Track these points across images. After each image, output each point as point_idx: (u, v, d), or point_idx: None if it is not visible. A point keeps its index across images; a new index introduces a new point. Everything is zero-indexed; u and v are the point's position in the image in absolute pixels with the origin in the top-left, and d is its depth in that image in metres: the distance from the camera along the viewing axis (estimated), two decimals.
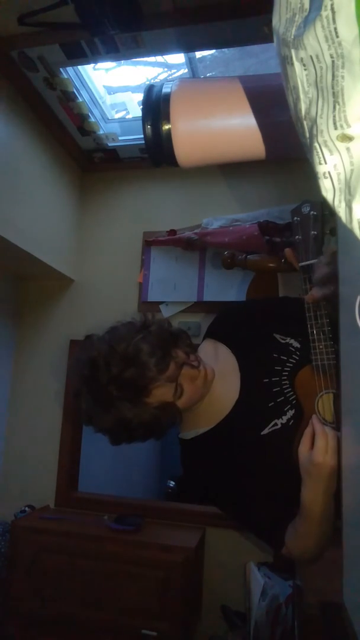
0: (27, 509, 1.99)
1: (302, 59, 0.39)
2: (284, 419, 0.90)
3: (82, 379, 0.89)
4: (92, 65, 1.74)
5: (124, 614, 1.61)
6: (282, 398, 0.91)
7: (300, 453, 0.81)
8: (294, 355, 0.94)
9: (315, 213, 0.88)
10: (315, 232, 0.87)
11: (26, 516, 1.93)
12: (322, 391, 0.84)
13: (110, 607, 1.62)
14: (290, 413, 0.90)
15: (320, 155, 0.41)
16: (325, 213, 0.88)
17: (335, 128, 0.39)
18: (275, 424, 0.89)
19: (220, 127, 1.00)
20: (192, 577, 1.69)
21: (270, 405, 0.91)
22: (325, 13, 0.35)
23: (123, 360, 0.84)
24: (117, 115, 2.08)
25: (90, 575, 1.66)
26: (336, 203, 0.42)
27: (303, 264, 0.87)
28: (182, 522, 1.90)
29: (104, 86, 1.93)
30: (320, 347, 0.83)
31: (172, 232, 2.04)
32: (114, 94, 2.01)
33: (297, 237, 0.89)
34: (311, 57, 0.38)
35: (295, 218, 0.90)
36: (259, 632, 1.50)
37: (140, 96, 1.66)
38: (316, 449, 0.78)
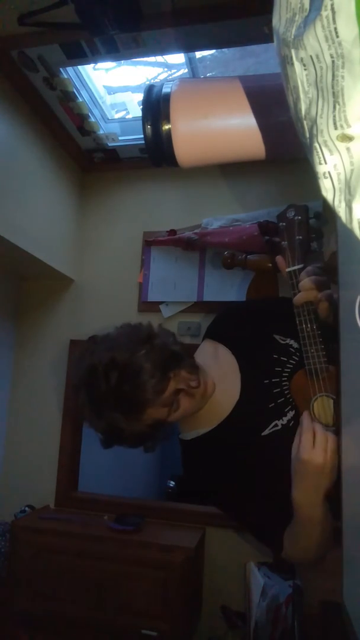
0: (27, 509, 1.99)
1: (302, 59, 0.39)
2: (285, 419, 0.90)
3: (81, 381, 0.89)
4: (92, 65, 1.73)
5: (124, 614, 1.61)
6: (283, 399, 0.91)
7: (292, 452, 0.80)
8: (293, 357, 0.94)
9: (299, 218, 0.88)
10: (301, 237, 0.87)
11: (26, 516, 1.93)
12: (316, 395, 0.84)
13: (110, 607, 1.62)
14: (291, 414, 0.90)
15: (320, 155, 0.41)
16: (311, 217, 0.89)
17: (335, 128, 0.39)
18: (276, 425, 0.89)
19: (220, 127, 1.00)
20: (192, 577, 1.69)
21: (270, 406, 0.91)
22: (326, 13, 0.35)
23: (122, 374, 0.83)
24: (117, 115, 2.08)
25: (90, 575, 1.66)
26: (336, 203, 0.42)
27: (290, 269, 0.87)
28: (182, 522, 1.90)
29: (104, 86, 1.93)
30: (312, 351, 0.83)
31: (172, 232, 2.04)
32: (114, 94, 2.01)
33: (283, 242, 0.89)
34: (311, 57, 0.38)
35: (281, 223, 0.91)
36: (259, 632, 1.50)
37: (140, 96, 1.66)
38: (302, 444, 0.77)
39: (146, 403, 0.83)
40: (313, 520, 0.80)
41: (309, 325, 0.84)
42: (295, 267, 0.87)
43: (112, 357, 0.84)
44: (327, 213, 0.88)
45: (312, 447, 0.76)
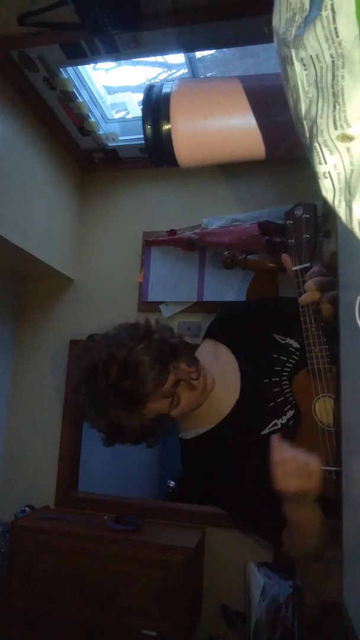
0: (27, 509, 1.99)
1: (302, 59, 0.39)
2: (284, 419, 0.90)
3: (81, 379, 0.89)
4: (92, 65, 1.73)
5: (124, 614, 1.61)
6: (282, 398, 0.91)
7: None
8: (293, 356, 0.94)
9: (307, 216, 0.87)
10: (308, 236, 0.86)
11: (26, 516, 1.93)
12: (318, 395, 0.84)
13: (110, 607, 1.62)
14: (290, 413, 0.90)
15: (320, 155, 0.41)
16: (319, 216, 0.88)
17: (336, 128, 0.39)
18: (276, 424, 0.89)
19: (220, 127, 1.00)
20: (192, 577, 1.69)
21: (270, 405, 0.91)
22: (326, 13, 0.35)
23: (122, 369, 0.83)
24: (117, 115, 2.08)
25: (90, 575, 1.66)
26: (336, 203, 0.42)
27: (296, 268, 0.87)
28: (182, 522, 1.90)
29: (104, 86, 1.93)
30: (316, 350, 0.83)
31: (172, 232, 2.04)
32: (114, 94, 2.01)
33: (290, 240, 0.89)
34: (311, 57, 0.38)
35: (289, 221, 0.89)
36: (259, 632, 1.50)
37: (140, 96, 1.66)
38: (279, 476, 0.75)
39: (147, 396, 0.84)
40: (303, 526, 0.81)
41: (313, 325, 0.83)
42: (302, 266, 0.86)
43: (111, 353, 0.85)
44: (325, 211, 0.88)
45: (287, 475, 0.74)
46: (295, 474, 0.74)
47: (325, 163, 0.41)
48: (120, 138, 2.07)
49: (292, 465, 0.75)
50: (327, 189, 0.42)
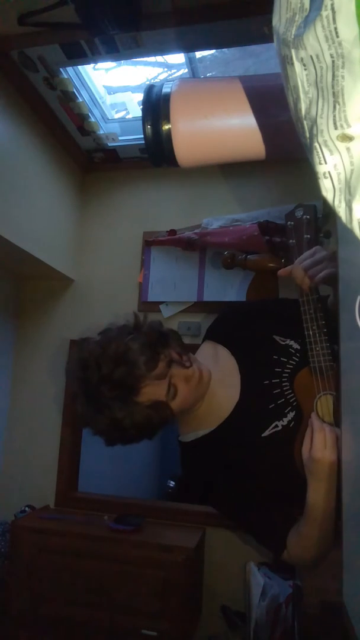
0: (27, 509, 1.99)
1: (302, 59, 0.39)
2: (285, 420, 0.89)
3: (76, 381, 0.89)
4: (92, 65, 1.73)
5: (124, 614, 1.61)
6: (283, 400, 0.91)
7: (302, 454, 0.81)
8: (293, 357, 0.93)
9: (308, 217, 0.88)
10: (309, 236, 0.87)
11: (26, 516, 1.93)
12: (320, 393, 0.84)
13: (110, 607, 1.62)
14: (291, 415, 0.89)
15: (320, 155, 0.41)
16: (319, 217, 0.89)
17: (336, 128, 0.39)
18: (276, 426, 0.89)
19: (220, 127, 1.00)
20: (192, 577, 1.69)
21: (270, 407, 0.91)
22: (326, 13, 0.35)
23: (113, 360, 0.84)
24: (117, 115, 2.08)
25: (90, 575, 1.66)
26: (336, 203, 0.42)
27: None
28: (182, 522, 1.90)
29: (104, 86, 1.93)
30: (318, 349, 0.83)
31: (172, 232, 2.04)
32: (114, 94, 2.01)
33: (290, 241, 0.89)
34: (311, 56, 0.38)
35: (289, 222, 0.90)
36: (259, 632, 1.50)
37: (140, 96, 1.66)
38: (314, 444, 0.78)
39: (140, 380, 0.84)
40: (323, 522, 0.80)
41: (315, 323, 0.84)
42: None
43: (101, 347, 0.87)
44: (326, 212, 0.88)
45: (324, 446, 0.76)
46: (334, 445, 0.75)
47: (325, 163, 0.41)
48: (120, 138, 2.07)
49: (334, 435, 0.76)
50: (327, 189, 0.42)
